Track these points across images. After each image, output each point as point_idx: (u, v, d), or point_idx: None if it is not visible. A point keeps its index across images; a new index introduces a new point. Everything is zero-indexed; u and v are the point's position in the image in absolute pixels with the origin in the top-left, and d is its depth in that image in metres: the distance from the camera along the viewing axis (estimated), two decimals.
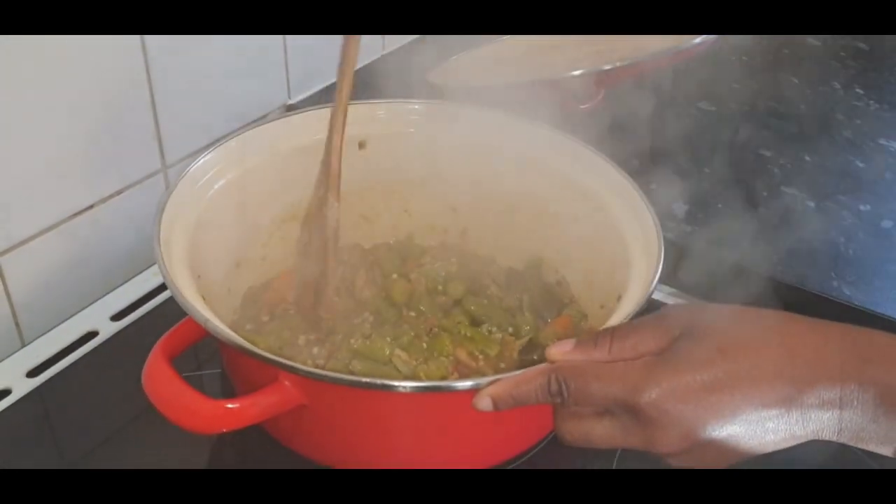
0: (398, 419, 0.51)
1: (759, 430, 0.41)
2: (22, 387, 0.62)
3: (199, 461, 0.59)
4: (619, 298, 0.55)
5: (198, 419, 0.48)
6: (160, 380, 0.49)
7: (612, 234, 0.60)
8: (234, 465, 0.59)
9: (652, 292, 0.52)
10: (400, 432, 0.52)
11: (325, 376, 0.46)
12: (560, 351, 0.46)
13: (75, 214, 0.69)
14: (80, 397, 0.62)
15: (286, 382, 0.49)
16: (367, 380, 0.46)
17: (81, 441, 0.59)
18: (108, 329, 0.68)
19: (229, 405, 0.49)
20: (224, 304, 0.62)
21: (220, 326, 0.49)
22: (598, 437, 0.44)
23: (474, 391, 0.46)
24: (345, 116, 0.56)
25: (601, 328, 0.47)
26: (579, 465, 0.59)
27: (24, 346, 0.67)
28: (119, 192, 0.73)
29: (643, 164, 0.76)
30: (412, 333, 0.61)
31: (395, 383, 0.46)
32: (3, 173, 0.62)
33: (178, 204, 0.57)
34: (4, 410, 0.60)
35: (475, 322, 0.63)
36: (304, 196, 0.68)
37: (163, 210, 0.56)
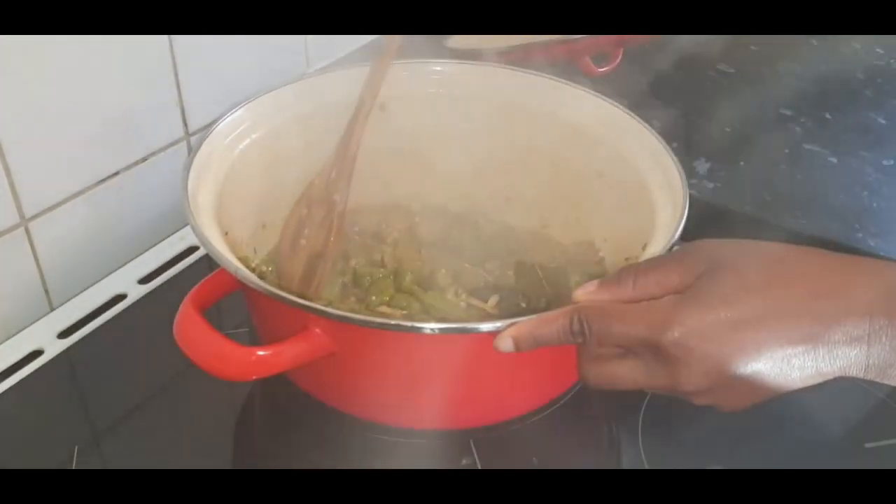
0: (425, 364, 0.51)
1: (784, 367, 0.41)
2: (53, 347, 0.63)
3: (227, 422, 0.59)
4: (644, 247, 0.55)
5: (229, 366, 0.49)
6: (192, 329, 0.49)
7: (638, 189, 0.60)
8: (264, 423, 0.60)
9: (677, 235, 0.52)
10: (427, 379, 0.52)
11: (355, 319, 0.46)
12: (584, 292, 0.46)
13: (101, 181, 0.70)
14: (111, 358, 0.63)
15: (316, 330, 0.49)
16: (396, 322, 0.46)
17: (112, 400, 0.60)
18: (136, 292, 0.68)
19: (260, 352, 0.49)
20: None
21: (250, 275, 0.49)
22: (622, 378, 0.44)
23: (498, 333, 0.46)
24: (372, 104, 0.54)
25: (624, 266, 0.47)
26: (606, 413, 0.59)
27: (52, 310, 0.68)
28: (144, 160, 0.73)
29: (664, 124, 0.75)
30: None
31: (423, 325, 0.46)
32: (30, 141, 0.63)
33: (206, 160, 0.58)
34: (37, 370, 0.61)
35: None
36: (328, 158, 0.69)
37: (191, 163, 0.56)
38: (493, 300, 0.61)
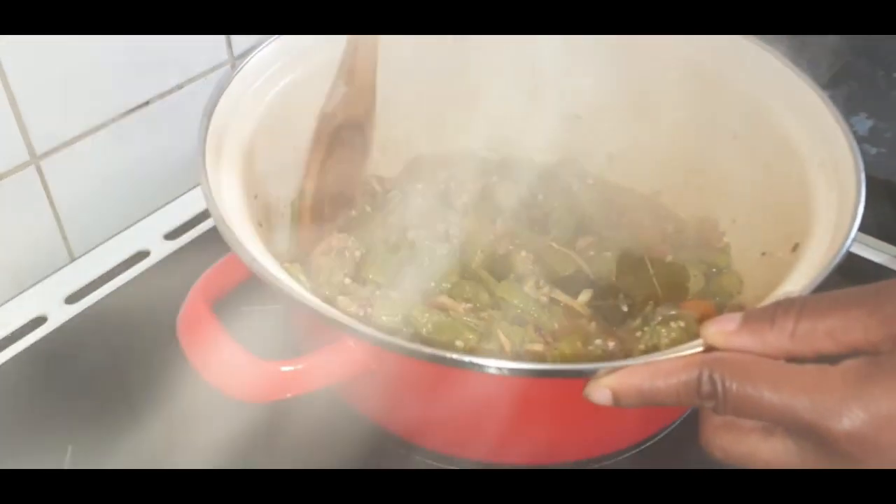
0: (483, 401, 0.40)
1: None
2: (60, 315, 0.55)
3: (253, 415, 0.49)
4: (794, 248, 0.42)
5: (244, 385, 0.39)
6: (199, 331, 0.40)
7: (787, 160, 0.46)
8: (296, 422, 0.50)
9: (851, 238, 0.38)
10: (483, 415, 0.41)
11: (395, 345, 0.35)
12: (720, 330, 0.33)
13: (128, 112, 0.60)
14: (124, 329, 0.54)
15: (350, 342, 0.38)
16: (451, 356, 0.34)
17: (122, 382, 0.51)
18: (160, 249, 0.59)
19: (284, 368, 0.39)
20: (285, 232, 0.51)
21: (269, 269, 0.38)
22: (765, 462, 0.32)
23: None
24: None
25: (780, 297, 0.33)
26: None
27: (73, 259, 0.60)
28: (179, 87, 0.63)
29: (811, 68, 0.60)
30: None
31: (486, 362, 0.34)
32: (40, 64, 0.53)
33: (233, 106, 0.47)
34: (38, 342, 0.53)
35: None
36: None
37: (211, 113, 0.46)
38: (585, 296, 0.49)
